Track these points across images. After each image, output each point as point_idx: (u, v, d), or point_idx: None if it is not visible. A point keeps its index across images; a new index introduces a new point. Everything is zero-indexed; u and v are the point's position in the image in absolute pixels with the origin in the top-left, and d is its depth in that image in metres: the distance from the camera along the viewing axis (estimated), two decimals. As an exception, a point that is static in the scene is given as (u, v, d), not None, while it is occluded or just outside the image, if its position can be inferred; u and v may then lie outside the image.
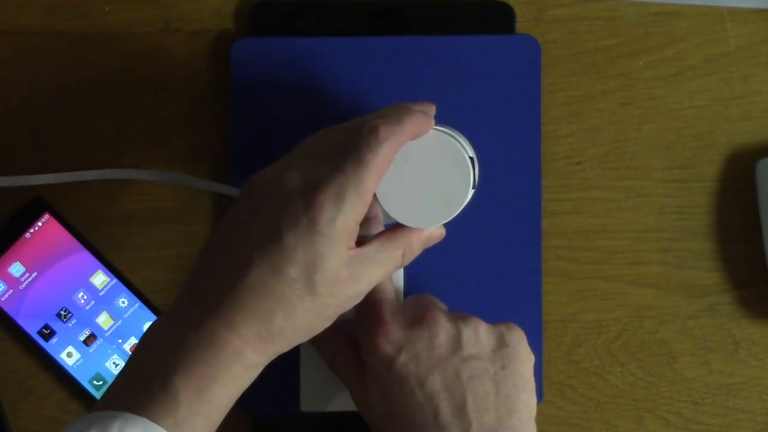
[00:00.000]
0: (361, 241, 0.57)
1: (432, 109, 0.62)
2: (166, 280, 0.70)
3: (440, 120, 0.68)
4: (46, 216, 0.69)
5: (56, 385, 0.70)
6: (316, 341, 0.63)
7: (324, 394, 0.69)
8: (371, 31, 0.69)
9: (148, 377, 0.53)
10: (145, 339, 0.56)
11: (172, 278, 0.70)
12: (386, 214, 0.60)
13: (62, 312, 0.69)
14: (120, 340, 0.70)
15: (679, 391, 0.71)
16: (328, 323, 0.56)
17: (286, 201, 0.54)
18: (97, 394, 0.70)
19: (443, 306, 0.65)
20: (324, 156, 0.55)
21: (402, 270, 0.69)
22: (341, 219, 0.54)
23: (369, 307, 0.61)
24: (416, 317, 0.61)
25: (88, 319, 0.70)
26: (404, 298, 0.69)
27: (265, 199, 0.55)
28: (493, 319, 0.69)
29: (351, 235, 0.55)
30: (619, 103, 0.70)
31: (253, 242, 0.54)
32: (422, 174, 0.59)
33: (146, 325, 0.68)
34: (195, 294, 0.55)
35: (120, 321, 0.70)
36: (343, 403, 0.69)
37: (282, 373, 0.66)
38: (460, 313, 0.62)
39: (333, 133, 0.57)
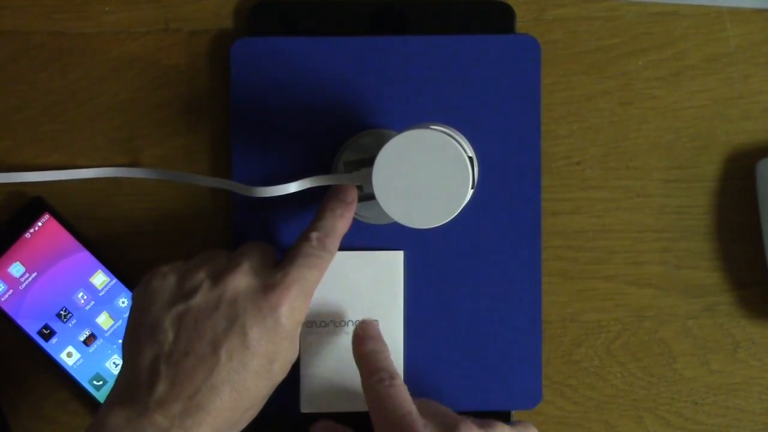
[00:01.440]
0: None
1: (350, 190, 0.65)
2: (166, 280, 0.70)
3: (440, 120, 0.68)
4: (46, 216, 0.69)
5: (56, 385, 0.70)
6: None
7: (324, 395, 0.69)
8: (371, 31, 0.69)
9: None
10: None
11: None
12: (386, 214, 0.60)
13: (62, 312, 0.69)
14: (120, 340, 0.70)
15: (679, 391, 0.71)
16: (272, 392, 0.61)
17: (247, 298, 0.59)
18: (97, 394, 0.70)
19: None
20: (266, 262, 0.62)
21: (402, 271, 0.69)
22: (298, 315, 0.60)
23: (397, 423, 0.61)
24: (448, 426, 0.62)
25: (88, 319, 0.70)
26: (403, 301, 0.69)
27: (219, 298, 0.59)
28: (493, 320, 0.69)
29: (300, 324, 0.61)
30: (619, 103, 0.70)
31: (215, 339, 0.58)
32: (421, 174, 0.59)
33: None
34: (150, 395, 0.57)
35: (120, 321, 0.70)
36: (343, 403, 0.69)
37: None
38: (482, 419, 0.63)
39: (253, 249, 0.63)
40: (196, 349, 0.58)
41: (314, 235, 0.62)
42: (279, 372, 0.60)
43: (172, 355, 0.58)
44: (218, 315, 0.59)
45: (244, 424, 0.60)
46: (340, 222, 0.63)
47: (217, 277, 0.60)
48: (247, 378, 0.58)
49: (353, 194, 0.64)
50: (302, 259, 0.61)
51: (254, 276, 0.60)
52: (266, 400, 0.61)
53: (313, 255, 0.62)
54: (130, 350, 0.60)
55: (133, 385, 0.58)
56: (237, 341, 0.58)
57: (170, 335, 0.58)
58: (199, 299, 0.59)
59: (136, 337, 0.60)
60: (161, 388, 0.57)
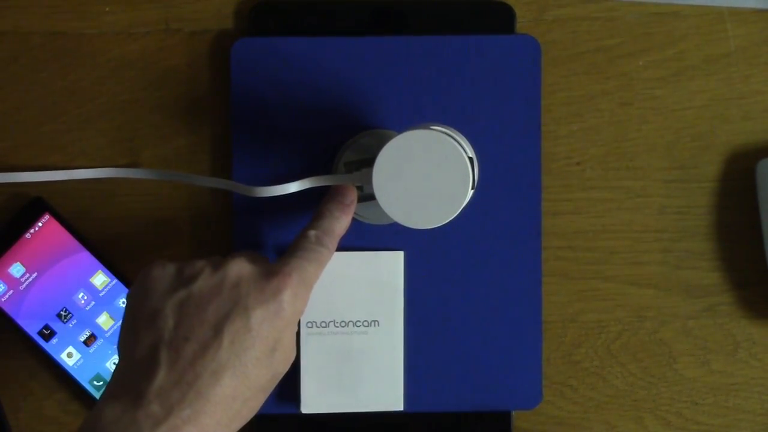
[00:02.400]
0: None
1: (349, 191, 0.65)
2: (166, 281, 0.70)
3: (440, 120, 0.68)
4: (47, 216, 0.69)
5: (56, 385, 0.70)
6: None
7: (324, 395, 0.69)
8: (371, 31, 0.69)
9: None
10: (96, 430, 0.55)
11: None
12: (386, 215, 0.60)
13: (62, 312, 0.69)
14: (120, 341, 0.70)
15: (679, 392, 0.71)
16: (273, 386, 0.60)
17: (250, 281, 0.59)
18: (98, 395, 0.70)
19: None
20: (262, 258, 0.62)
21: (402, 271, 0.69)
22: (300, 304, 0.60)
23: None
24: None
25: (89, 319, 0.70)
26: (403, 301, 0.69)
27: (221, 282, 0.59)
28: (493, 320, 0.69)
29: (301, 314, 0.61)
30: (619, 103, 0.70)
31: (218, 323, 0.57)
32: (421, 174, 0.59)
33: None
34: (148, 384, 0.56)
35: (120, 321, 0.70)
36: (343, 403, 0.69)
37: (282, 373, 0.66)
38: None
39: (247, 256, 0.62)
40: (197, 334, 0.57)
41: (312, 232, 0.62)
42: (280, 363, 0.59)
43: (173, 341, 0.57)
44: (220, 299, 0.58)
45: (244, 420, 0.59)
46: (338, 223, 0.63)
47: (218, 264, 0.60)
48: (248, 363, 0.57)
49: (352, 195, 0.64)
50: (301, 252, 0.61)
51: (254, 264, 0.60)
52: (267, 394, 0.60)
53: (311, 249, 0.61)
54: (127, 341, 0.59)
55: (131, 376, 0.57)
56: (239, 323, 0.57)
57: (171, 322, 0.57)
58: (200, 284, 0.59)
59: (134, 327, 0.58)
60: (161, 375, 0.56)
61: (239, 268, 0.59)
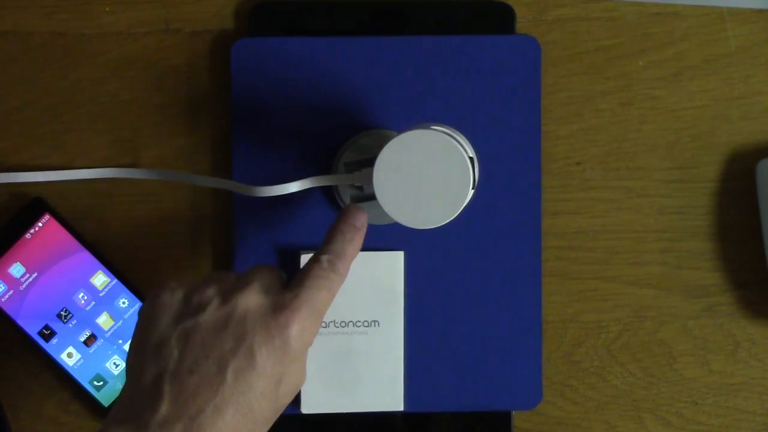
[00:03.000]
0: None
1: (360, 214, 0.63)
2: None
3: (440, 120, 0.68)
4: (47, 217, 0.69)
5: (56, 385, 0.70)
6: None
7: (324, 395, 0.69)
8: (371, 31, 0.69)
9: None
10: None
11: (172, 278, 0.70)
12: (386, 215, 0.60)
13: (62, 312, 0.69)
14: (120, 341, 0.70)
15: (679, 392, 0.71)
16: (277, 416, 0.60)
17: (257, 317, 0.58)
18: (98, 395, 0.70)
19: None
20: (275, 283, 0.60)
21: (402, 271, 0.69)
22: (308, 336, 0.58)
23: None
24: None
25: (89, 319, 0.70)
26: (403, 301, 0.69)
27: (228, 316, 0.58)
28: (493, 320, 0.69)
29: (309, 346, 0.59)
30: (619, 104, 0.70)
31: (222, 358, 0.57)
32: (422, 174, 0.59)
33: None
34: (152, 414, 0.55)
35: (120, 321, 0.70)
36: (343, 404, 0.69)
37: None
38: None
39: (263, 271, 0.61)
40: (201, 367, 0.56)
41: (325, 257, 0.61)
42: (285, 395, 0.58)
43: (177, 373, 0.56)
44: (226, 333, 0.57)
45: None
46: (350, 246, 0.62)
47: (227, 295, 0.59)
48: (252, 399, 0.56)
49: (363, 219, 0.63)
50: (312, 280, 0.60)
51: (264, 295, 0.59)
52: (270, 424, 0.59)
53: (323, 277, 0.60)
54: (134, 367, 0.58)
55: (136, 403, 0.56)
56: (244, 361, 0.57)
57: (176, 353, 0.57)
58: (207, 316, 0.58)
59: (142, 353, 0.58)
60: (164, 407, 0.55)
61: (248, 300, 0.58)
